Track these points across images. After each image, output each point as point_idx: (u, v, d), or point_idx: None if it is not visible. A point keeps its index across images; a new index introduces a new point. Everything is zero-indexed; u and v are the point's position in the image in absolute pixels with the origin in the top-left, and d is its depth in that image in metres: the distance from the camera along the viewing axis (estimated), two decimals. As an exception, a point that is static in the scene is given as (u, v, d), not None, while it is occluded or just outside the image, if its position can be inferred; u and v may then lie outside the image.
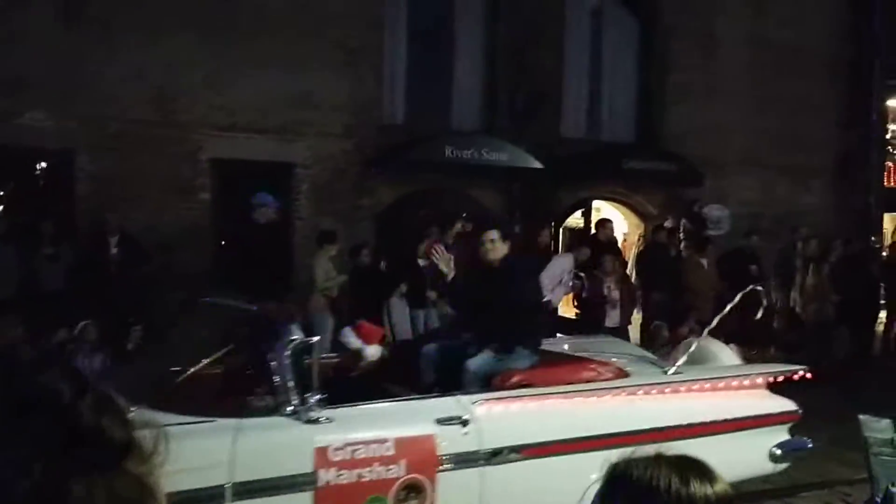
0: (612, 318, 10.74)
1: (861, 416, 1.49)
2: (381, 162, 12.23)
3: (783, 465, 5.59)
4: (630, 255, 13.64)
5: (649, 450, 1.33)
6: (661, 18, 14.65)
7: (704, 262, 12.05)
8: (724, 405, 5.36)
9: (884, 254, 14.90)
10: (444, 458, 4.46)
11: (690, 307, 11.63)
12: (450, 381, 5.24)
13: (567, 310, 13.99)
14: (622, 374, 5.48)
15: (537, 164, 12.82)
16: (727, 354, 6.13)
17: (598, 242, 11.81)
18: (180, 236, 10.91)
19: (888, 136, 18.23)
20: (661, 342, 11.04)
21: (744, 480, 5.16)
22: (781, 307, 12.98)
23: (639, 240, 14.54)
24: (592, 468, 1.48)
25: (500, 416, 4.74)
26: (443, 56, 13.40)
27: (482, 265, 5.68)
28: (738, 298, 5.98)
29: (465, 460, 4.52)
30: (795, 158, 15.47)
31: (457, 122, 13.45)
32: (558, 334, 12.61)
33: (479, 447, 4.56)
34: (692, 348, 5.86)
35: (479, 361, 5.29)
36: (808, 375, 5.63)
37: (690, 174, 14.03)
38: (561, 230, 14.50)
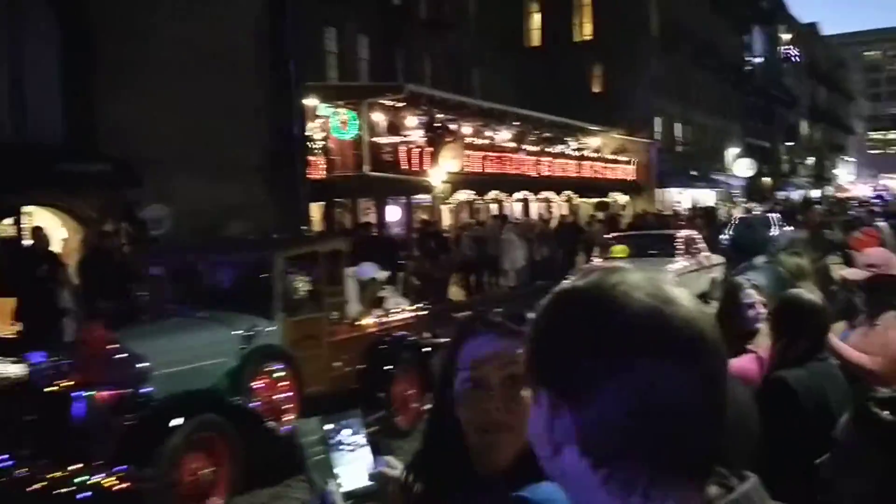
0: (70, 332, 10.11)
1: (293, 424, 1.66)
2: None
3: None
4: (73, 263, 12.89)
5: None
6: (85, 13, 14.02)
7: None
8: None
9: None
10: None
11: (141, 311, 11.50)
12: None
13: (5, 327, 12.70)
14: None
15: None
16: None
17: (35, 252, 10.94)
18: None
19: (308, 133, 20.18)
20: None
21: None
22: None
23: (81, 246, 13.81)
24: None
25: None
26: None
27: None
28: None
29: None
30: (229, 157, 16.22)
31: None
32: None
33: None
34: None
35: None
36: None
37: (128, 175, 13.78)
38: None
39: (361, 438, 1.70)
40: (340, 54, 26.39)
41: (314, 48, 23.44)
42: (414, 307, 9.43)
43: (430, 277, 18.95)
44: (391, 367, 8.02)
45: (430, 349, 8.61)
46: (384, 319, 8.57)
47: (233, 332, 6.99)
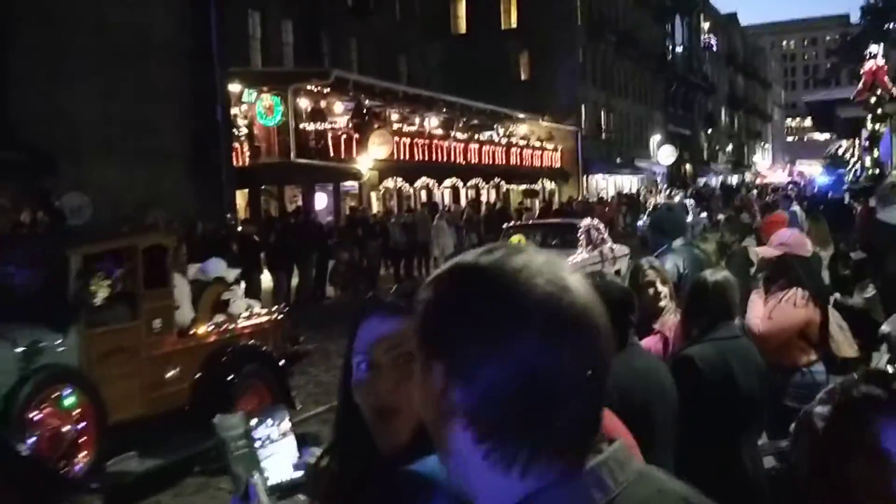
0: None
1: (215, 419, 1.63)
2: None
3: None
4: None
5: None
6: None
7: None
8: None
9: (239, 228, 16.25)
10: None
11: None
12: None
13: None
14: None
15: None
16: None
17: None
18: None
19: (232, 119, 19.85)
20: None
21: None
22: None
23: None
24: None
25: None
26: None
27: None
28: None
29: None
30: (150, 143, 15.86)
31: None
32: None
33: None
34: None
35: None
36: None
37: (43, 163, 13.35)
38: None
39: (286, 431, 1.69)
40: (264, 39, 26.00)
41: (238, 33, 23.02)
42: (267, 310, 7.90)
43: (359, 265, 18.89)
44: (233, 380, 6.64)
45: (285, 360, 7.34)
46: (228, 326, 7.11)
47: (9, 349, 5.55)
